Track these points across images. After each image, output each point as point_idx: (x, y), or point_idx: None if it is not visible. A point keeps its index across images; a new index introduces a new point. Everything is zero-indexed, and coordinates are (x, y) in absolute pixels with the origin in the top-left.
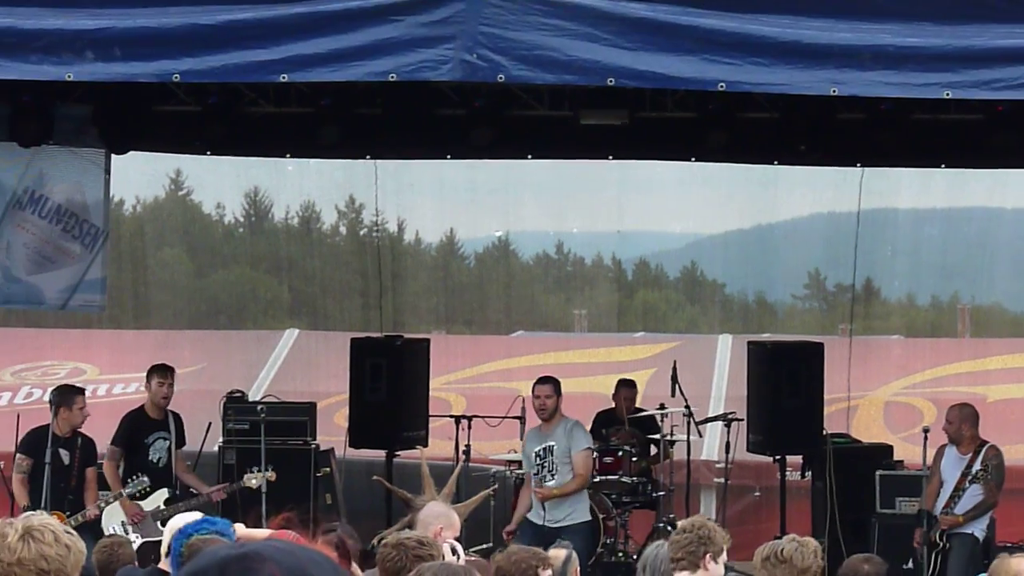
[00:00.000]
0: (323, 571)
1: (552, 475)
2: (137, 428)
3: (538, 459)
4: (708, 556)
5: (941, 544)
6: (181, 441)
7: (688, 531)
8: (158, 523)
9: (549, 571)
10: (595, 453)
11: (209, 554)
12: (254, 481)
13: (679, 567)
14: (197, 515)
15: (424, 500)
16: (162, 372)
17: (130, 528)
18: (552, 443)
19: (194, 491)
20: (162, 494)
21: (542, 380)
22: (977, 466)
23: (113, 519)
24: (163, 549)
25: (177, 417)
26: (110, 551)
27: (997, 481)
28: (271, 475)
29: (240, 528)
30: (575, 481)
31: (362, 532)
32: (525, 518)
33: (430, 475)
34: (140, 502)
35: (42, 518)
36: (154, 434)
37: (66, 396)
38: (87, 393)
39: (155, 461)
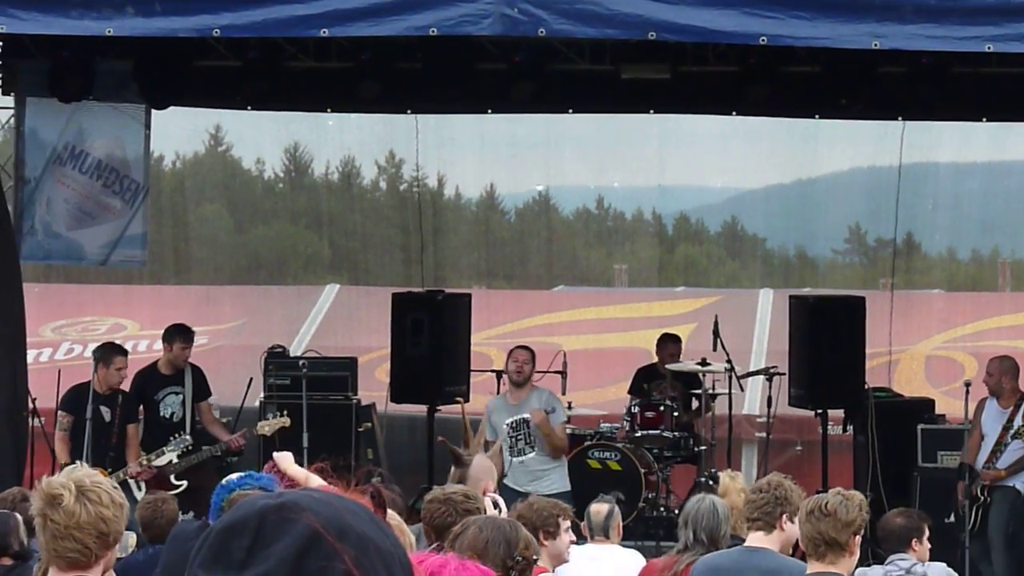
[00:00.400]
0: (360, 520)
1: (531, 446)
2: (146, 385)
3: (511, 430)
4: (784, 516)
5: (983, 498)
6: (202, 394)
7: (765, 491)
8: (172, 477)
9: (568, 522)
10: (637, 407)
11: (247, 504)
12: (267, 428)
13: (754, 527)
14: None
15: (471, 455)
16: (184, 336)
17: (137, 484)
18: (526, 415)
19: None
20: (176, 448)
21: (521, 346)
22: (1018, 421)
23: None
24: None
25: (196, 370)
26: (153, 507)
27: None
28: (285, 421)
29: (285, 459)
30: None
31: (404, 487)
32: (504, 484)
33: (470, 427)
34: (153, 458)
35: (91, 474)
36: (164, 390)
37: (106, 354)
38: (128, 349)
39: (167, 416)
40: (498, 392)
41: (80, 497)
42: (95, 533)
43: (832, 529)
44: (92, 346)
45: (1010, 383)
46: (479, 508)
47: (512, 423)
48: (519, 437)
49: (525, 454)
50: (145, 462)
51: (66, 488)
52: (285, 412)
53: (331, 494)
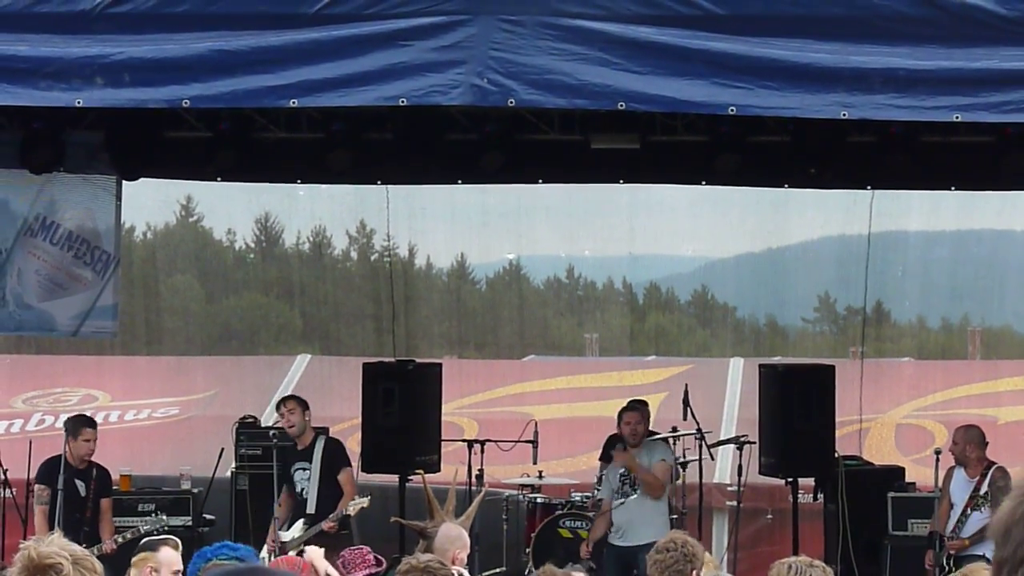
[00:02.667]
0: None
1: (634, 489)
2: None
3: (622, 478)
4: (693, 572)
5: (948, 567)
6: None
7: (672, 549)
8: None
9: None
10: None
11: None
12: (351, 508)
13: None
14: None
15: (435, 525)
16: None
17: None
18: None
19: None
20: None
21: (630, 407)
22: (984, 489)
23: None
24: None
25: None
26: None
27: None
28: (365, 502)
29: (315, 553)
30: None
31: None
32: (606, 541)
33: (434, 496)
34: (129, 536)
35: (79, 548)
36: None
37: (75, 426)
38: (99, 420)
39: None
40: (468, 462)
41: (76, 566)
42: None
43: None
44: (64, 417)
45: (975, 452)
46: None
47: (624, 471)
48: (626, 482)
49: (628, 496)
50: (121, 539)
51: (63, 557)
52: (368, 495)
53: (285, 572)
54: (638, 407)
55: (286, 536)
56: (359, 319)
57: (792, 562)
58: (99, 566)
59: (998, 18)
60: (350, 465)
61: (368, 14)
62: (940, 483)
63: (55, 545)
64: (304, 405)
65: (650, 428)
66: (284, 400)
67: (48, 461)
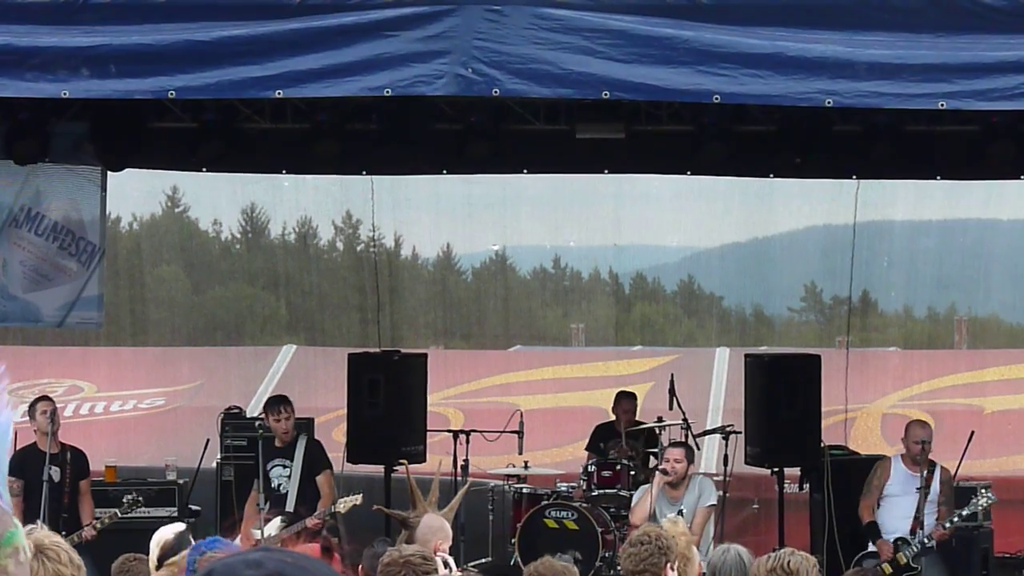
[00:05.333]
0: None
1: None
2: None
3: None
4: (668, 565)
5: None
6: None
7: (647, 542)
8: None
9: None
10: (593, 466)
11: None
12: (342, 505)
13: None
14: (180, 526)
15: (418, 515)
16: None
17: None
18: (683, 508)
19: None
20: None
21: (675, 444)
22: (935, 485)
23: None
24: (152, 564)
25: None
26: (122, 565)
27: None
28: (357, 499)
29: None
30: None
31: (362, 548)
32: None
33: (417, 487)
34: (107, 520)
35: (50, 535)
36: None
37: (30, 409)
38: (85, 411)
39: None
40: (454, 452)
41: (39, 555)
42: None
43: None
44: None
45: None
46: (435, 569)
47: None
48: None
49: None
50: (100, 525)
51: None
52: (361, 492)
53: (301, 556)
54: (682, 444)
55: (261, 533)
56: (345, 310)
57: (772, 554)
58: (72, 555)
59: (984, 7)
60: (331, 468)
61: (353, 4)
62: (925, 473)
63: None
64: (293, 408)
65: (636, 419)
66: (279, 406)
67: (19, 451)
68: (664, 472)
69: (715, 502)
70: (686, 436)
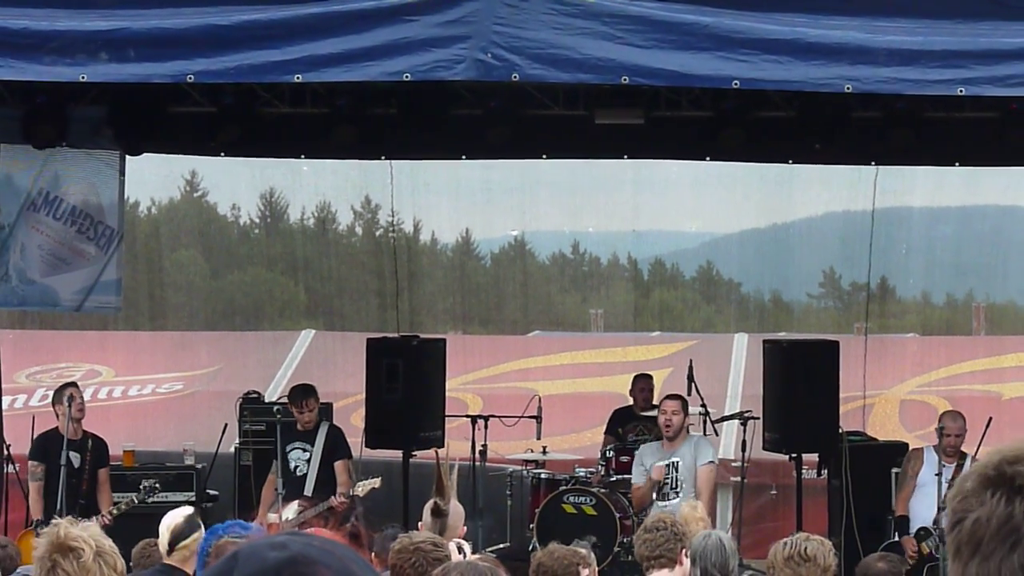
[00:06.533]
0: (364, 569)
1: (676, 492)
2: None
3: (664, 480)
4: (683, 551)
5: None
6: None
7: (662, 529)
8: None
9: (588, 571)
10: (612, 452)
11: (255, 559)
12: (360, 489)
13: (657, 564)
14: (189, 510)
15: (447, 502)
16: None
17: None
18: (677, 459)
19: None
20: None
21: (670, 396)
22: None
23: None
24: (163, 548)
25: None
26: (143, 551)
27: None
28: (376, 482)
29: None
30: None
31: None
32: None
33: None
34: (124, 507)
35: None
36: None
37: (57, 394)
38: (103, 396)
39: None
40: (472, 438)
41: (98, 558)
42: None
43: (811, 574)
44: None
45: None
46: (447, 555)
47: (668, 469)
48: (667, 481)
49: (669, 499)
50: (116, 511)
51: (87, 544)
52: (380, 477)
53: (326, 540)
54: (677, 396)
55: (279, 517)
56: (363, 295)
57: (788, 540)
58: (121, 564)
59: None
60: (350, 456)
61: None
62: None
63: (87, 531)
64: (318, 399)
65: (653, 401)
66: (304, 399)
67: (41, 436)
68: (660, 440)
69: (714, 459)
70: (705, 422)
